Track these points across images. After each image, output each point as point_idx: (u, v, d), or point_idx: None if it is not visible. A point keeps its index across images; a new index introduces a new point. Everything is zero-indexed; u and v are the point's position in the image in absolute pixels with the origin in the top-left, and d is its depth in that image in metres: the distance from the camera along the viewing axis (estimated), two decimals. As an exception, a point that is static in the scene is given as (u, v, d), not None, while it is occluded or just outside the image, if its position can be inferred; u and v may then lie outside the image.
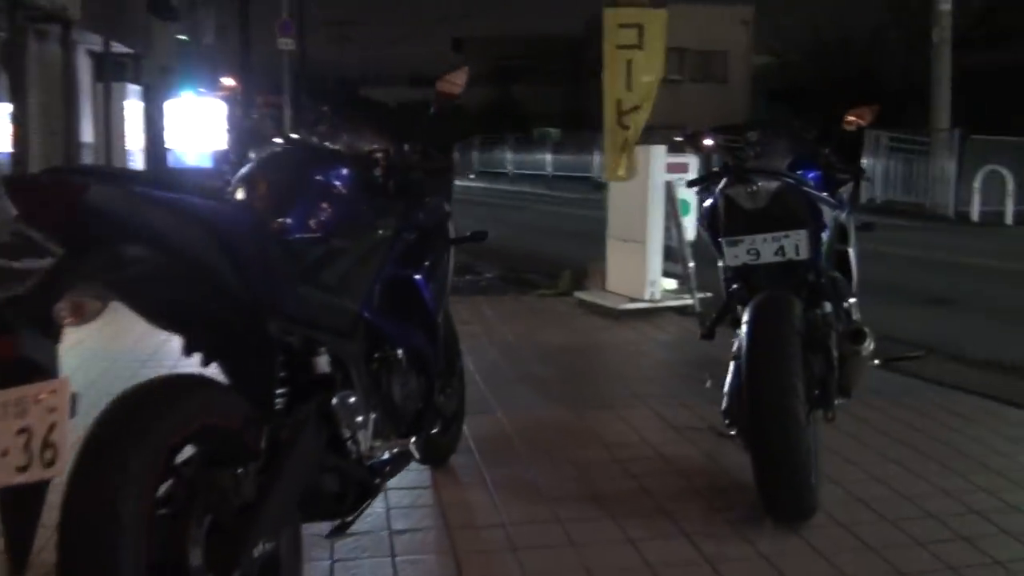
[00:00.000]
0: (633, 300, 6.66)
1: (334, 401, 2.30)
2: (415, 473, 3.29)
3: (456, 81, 2.93)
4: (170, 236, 1.74)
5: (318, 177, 2.53)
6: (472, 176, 32.98)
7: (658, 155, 6.63)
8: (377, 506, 2.95)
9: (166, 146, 17.95)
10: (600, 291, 7.06)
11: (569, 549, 2.81)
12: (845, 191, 3.70)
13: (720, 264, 3.42)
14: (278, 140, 2.82)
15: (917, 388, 4.65)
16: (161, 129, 17.92)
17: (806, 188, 3.17)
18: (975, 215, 16.12)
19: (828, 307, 3.20)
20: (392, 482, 2.78)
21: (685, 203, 6.75)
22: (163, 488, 1.73)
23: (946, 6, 17.34)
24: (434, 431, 3.13)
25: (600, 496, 3.23)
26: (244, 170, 2.56)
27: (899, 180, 17.95)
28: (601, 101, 6.56)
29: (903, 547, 2.83)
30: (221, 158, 17.79)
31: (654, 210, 6.63)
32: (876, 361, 3.21)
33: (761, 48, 36.21)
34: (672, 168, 6.69)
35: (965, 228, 15.31)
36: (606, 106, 6.49)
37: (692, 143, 4.30)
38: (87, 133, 15.01)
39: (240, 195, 2.43)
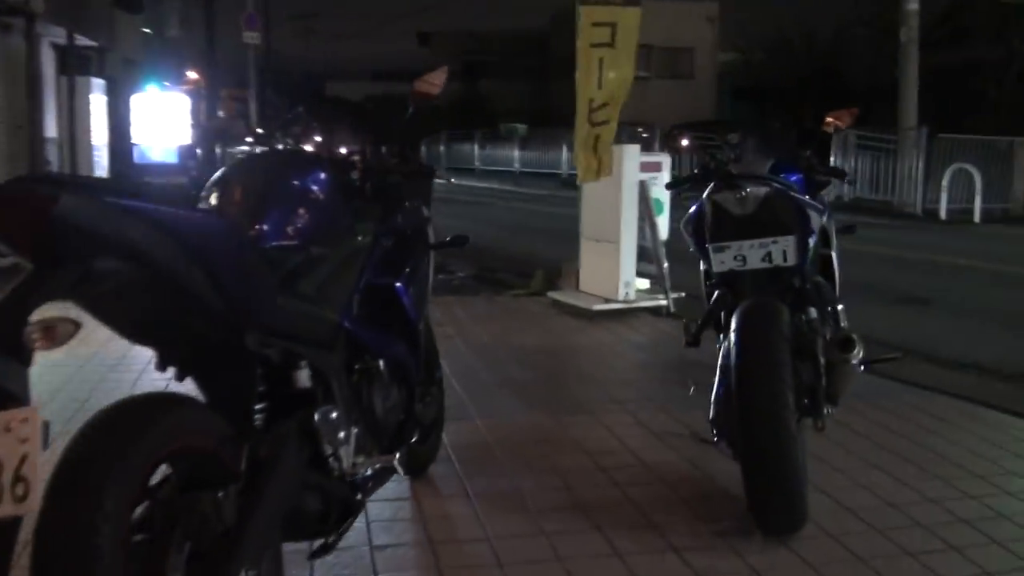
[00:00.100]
0: (607, 301, 6.60)
1: (315, 416, 2.21)
2: (394, 484, 3.18)
3: (434, 81, 2.87)
4: (144, 248, 1.64)
5: (295, 182, 2.43)
6: (452, 180, 32.79)
7: (631, 154, 6.58)
8: (357, 519, 2.85)
9: (132, 141, 17.68)
10: (574, 291, 6.99)
11: (555, 564, 2.73)
12: (826, 193, 3.67)
13: (703, 269, 3.37)
14: (249, 140, 2.73)
15: (894, 390, 4.64)
16: (127, 124, 17.65)
17: (794, 193, 3.12)
18: (943, 213, 16.24)
19: (813, 313, 3.16)
20: (372, 493, 2.68)
21: (659, 202, 6.72)
22: (139, 511, 1.64)
23: (913, 6, 17.49)
24: (413, 440, 3.04)
25: (584, 506, 3.16)
26: (218, 174, 2.45)
27: (867, 178, 18.08)
28: (569, 98, 6.44)
29: (893, 557, 2.80)
30: (186, 153, 17.58)
31: (627, 210, 6.56)
32: (863, 368, 3.17)
33: (727, 45, 36.35)
34: (645, 167, 6.65)
35: (934, 226, 15.41)
36: (579, 105, 6.39)
37: (669, 143, 4.25)
38: (51, 128, 14.74)
39: (214, 201, 2.33)
